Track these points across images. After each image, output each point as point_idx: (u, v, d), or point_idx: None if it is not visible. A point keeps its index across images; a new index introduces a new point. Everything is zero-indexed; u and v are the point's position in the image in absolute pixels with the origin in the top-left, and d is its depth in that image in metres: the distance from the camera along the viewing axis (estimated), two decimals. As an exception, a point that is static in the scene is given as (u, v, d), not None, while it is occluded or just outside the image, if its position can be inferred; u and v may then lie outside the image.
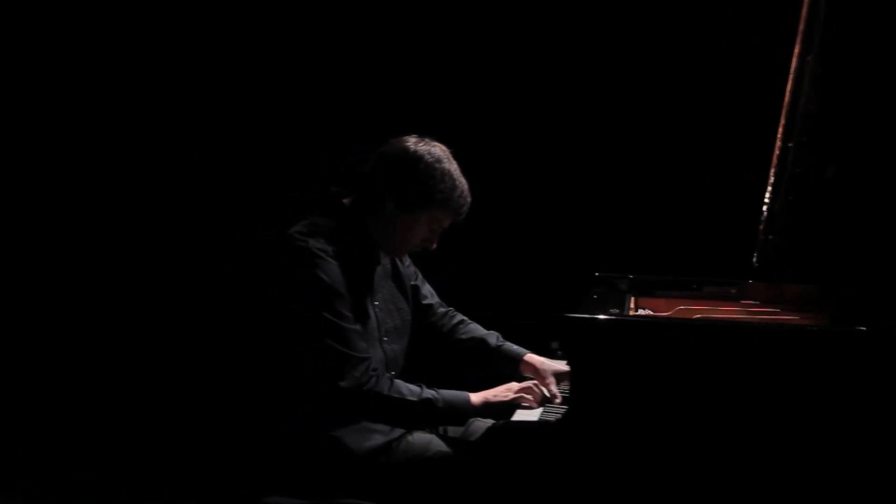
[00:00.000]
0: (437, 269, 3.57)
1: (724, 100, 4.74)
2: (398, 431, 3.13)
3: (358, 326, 3.02)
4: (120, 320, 5.36)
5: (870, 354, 2.81)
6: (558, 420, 2.96)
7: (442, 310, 3.50)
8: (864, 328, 2.85)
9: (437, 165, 3.06)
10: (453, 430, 3.29)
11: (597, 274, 3.91)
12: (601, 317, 2.98)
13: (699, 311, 3.48)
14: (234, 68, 5.14)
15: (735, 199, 4.55)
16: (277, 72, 5.11)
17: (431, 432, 3.23)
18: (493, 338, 3.46)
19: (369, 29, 5.03)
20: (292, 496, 3.00)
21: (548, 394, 3.21)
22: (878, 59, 2.98)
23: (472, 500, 3.03)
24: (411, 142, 3.10)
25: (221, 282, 5.19)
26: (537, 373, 3.31)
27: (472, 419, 3.24)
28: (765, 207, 3.25)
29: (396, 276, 3.33)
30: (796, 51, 2.99)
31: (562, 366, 3.31)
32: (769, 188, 3.22)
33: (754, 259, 3.35)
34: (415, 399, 3.03)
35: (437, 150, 3.10)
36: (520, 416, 3.09)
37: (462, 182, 3.10)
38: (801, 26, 2.95)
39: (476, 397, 3.12)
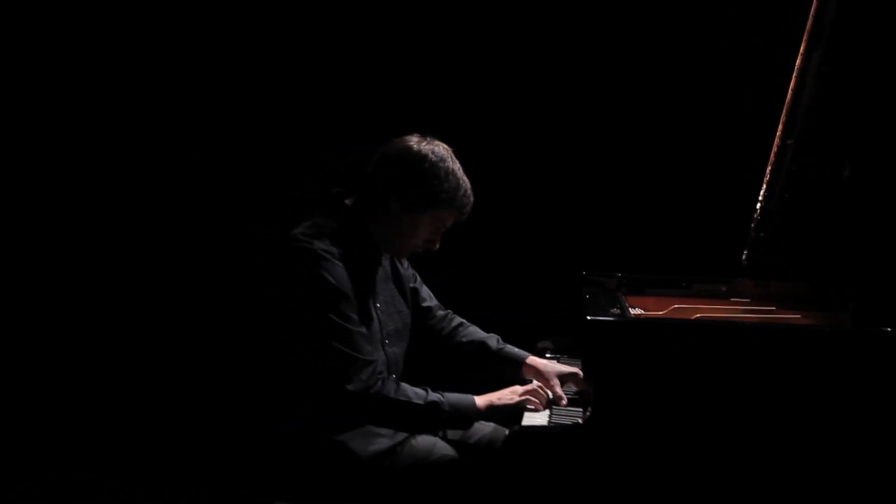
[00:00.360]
0: (437, 269, 3.41)
1: (720, 96, 4.56)
2: (402, 435, 2.98)
3: (363, 329, 2.87)
4: (121, 320, 5.16)
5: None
6: (583, 424, 2.77)
7: (441, 312, 3.34)
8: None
9: (441, 165, 2.91)
10: (453, 433, 3.14)
11: (584, 273, 3.73)
12: (625, 319, 2.85)
13: (697, 310, 3.30)
14: (235, 69, 4.95)
15: (725, 197, 4.41)
16: (278, 72, 4.93)
17: (434, 435, 3.07)
18: (493, 340, 3.30)
19: (369, 29, 4.85)
20: (295, 498, 2.87)
21: (553, 396, 3.04)
22: (884, 59, 2.81)
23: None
24: (414, 141, 2.95)
25: (223, 282, 5.01)
26: (540, 375, 3.14)
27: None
28: (759, 205, 3.10)
29: (396, 278, 3.18)
30: (802, 48, 2.82)
31: (565, 367, 3.16)
32: (764, 185, 3.06)
33: (744, 257, 3.21)
34: (421, 402, 2.86)
35: (440, 149, 2.95)
36: (527, 418, 2.91)
37: (465, 181, 2.96)
38: (809, 24, 2.78)
39: (481, 400, 2.95)
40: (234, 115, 4.97)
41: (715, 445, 2.67)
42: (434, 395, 2.88)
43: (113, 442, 4.97)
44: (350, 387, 2.77)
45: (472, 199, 2.96)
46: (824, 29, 2.75)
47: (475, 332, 3.32)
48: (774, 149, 2.99)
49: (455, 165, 2.94)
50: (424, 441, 2.98)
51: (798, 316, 3.21)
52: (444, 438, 3.08)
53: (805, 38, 2.78)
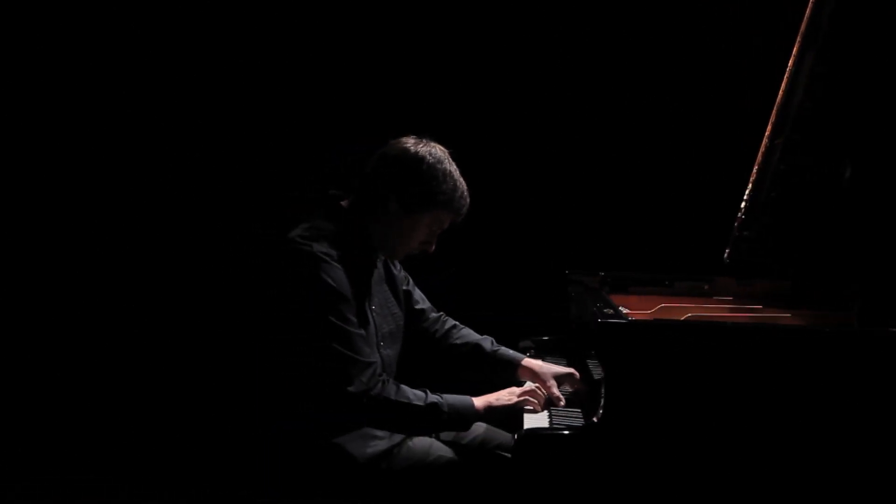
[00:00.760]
0: (429, 271, 3.23)
1: (708, 97, 4.43)
2: (398, 437, 2.81)
3: (362, 331, 2.72)
4: (121, 320, 5.01)
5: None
6: (595, 425, 2.57)
7: (434, 315, 3.16)
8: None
9: (439, 166, 2.76)
10: (445, 434, 2.96)
11: (567, 272, 3.62)
12: (641, 321, 2.71)
13: (686, 309, 3.13)
14: (235, 69, 4.81)
15: (706, 196, 4.27)
16: (278, 72, 4.78)
17: (431, 436, 2.89)
18: (487, 342, 3.13)
19: (369, 29, 4.71)
20: (294, 501, 2.71)
21: (550, 397, 2.86)
22: (876, 62, 2.66)
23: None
24: (411, 143, 2.80)
25: (223, 282, 4.86)
26: (536, 377, 2.96)
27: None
28: (744, 204, 2.94)
29: (390, 281, 3.01)
30: (795, 49, 2.65)
31: (560, 368, 2.98)
32: (750, 184, 2.90)
33: (726, 255, 3.05)
34: (421, 404, 2.69)
35: (437, 150, 2.80)
36: (528, 420, 2.72)
37: (462, 182, 2.82)
38: (804, 26, 2.61)
39: (479, 401, 2.77)
40: (235, 116, 4.83)
41: (731, 446, 2.49)
42: (433, 397, 2.71)
43: (113, 442, 4.82)
44: (351, 389, 2.61)
45: (468, 200, 2.82)
46: (819, 30, 2.59)
47: (469, 334, 3.16)
48: (762, 148, 2.83)
49: (452, 167, 2.80)
50: (421, 443, 2.82)
51: (788, 315, 3.07)
52: (438, 438, 2.93)
53: (799, 39, 2.62)
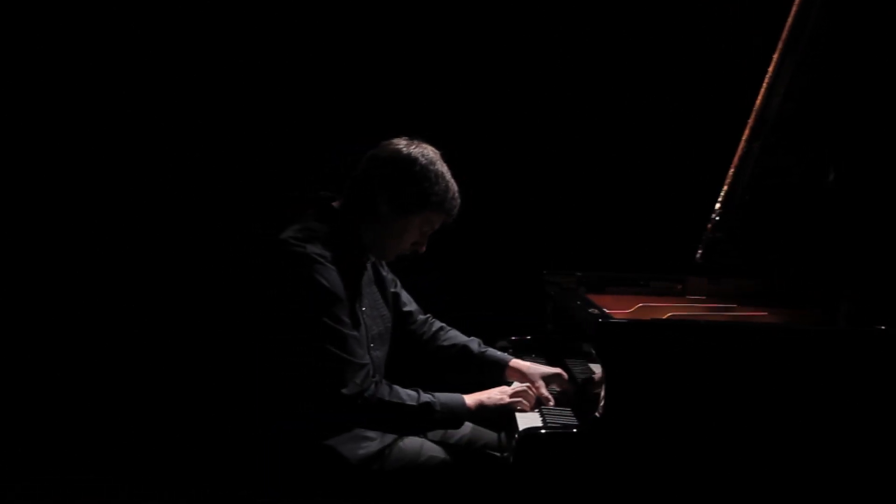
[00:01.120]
0: (418, 272, 3.12)
1: (685, 99, 4.30)
2: (390, 438, 2.68)
3: (356, 333, 2.60)
4: (120, 320, 4.86)
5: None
6: (598, 423, 2.45)
7: (421, 317, 3.04)
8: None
9: (431, 167, 2.65)
10: (432, 433, 2.83)
11: (544, 272, 3.47)
12: (643, 321, 2.59)
13: (665, 309, 2.99)
14: (235, 69, 4.66)
15: (677, 196, 4.16)
16: (278, 72, 4.63)
17: (420, 436, 2.76)
18: (474, 344, 3.01)
19: (368, 29, 4.58)
20: (288, 500, 2.60)
21: (539, 396, 2.74)
22: (858, 66, 2.57)
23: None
24: (403, 144, 2.68)
25: (221, 282, 4.71)
26: (525, 377, 2.84)
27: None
28: (718, 206, 2.81)
29: (379, 282, 2.89)
30: (776, 55, 2.53)
31: (548, 369, 2.86)
32: (726, 186, 2.78)
33: (698, 256, 2.91)
34: (414, 403, 2.58)
35: (429, 151, 2.69)
36: (520, 420, 2.59)
37: (454, 183, 2.70)
38: (785, 32, 2.50)
39: (470, 399, 2.65)
40: (235, 116, 4.68)
41: (732, 445, 2.38)
42: (426, 396, 2.60)
43: (113, 442, 4.68)
44: (345, 390, 2.50)
45: (459, 200, 2.71)
46: (802, 35, 2.47)
47: (456, 336, 3.04)
48: (739, 151, 2.71)
49: (444, 168, 2.68)
50: (412, 443, 2.69)
51: (764, 313, 2.96)
52: (428, 439, 2.80)
53: (780, 45, 2.51)
